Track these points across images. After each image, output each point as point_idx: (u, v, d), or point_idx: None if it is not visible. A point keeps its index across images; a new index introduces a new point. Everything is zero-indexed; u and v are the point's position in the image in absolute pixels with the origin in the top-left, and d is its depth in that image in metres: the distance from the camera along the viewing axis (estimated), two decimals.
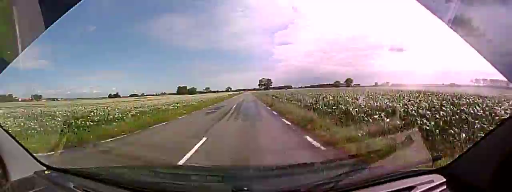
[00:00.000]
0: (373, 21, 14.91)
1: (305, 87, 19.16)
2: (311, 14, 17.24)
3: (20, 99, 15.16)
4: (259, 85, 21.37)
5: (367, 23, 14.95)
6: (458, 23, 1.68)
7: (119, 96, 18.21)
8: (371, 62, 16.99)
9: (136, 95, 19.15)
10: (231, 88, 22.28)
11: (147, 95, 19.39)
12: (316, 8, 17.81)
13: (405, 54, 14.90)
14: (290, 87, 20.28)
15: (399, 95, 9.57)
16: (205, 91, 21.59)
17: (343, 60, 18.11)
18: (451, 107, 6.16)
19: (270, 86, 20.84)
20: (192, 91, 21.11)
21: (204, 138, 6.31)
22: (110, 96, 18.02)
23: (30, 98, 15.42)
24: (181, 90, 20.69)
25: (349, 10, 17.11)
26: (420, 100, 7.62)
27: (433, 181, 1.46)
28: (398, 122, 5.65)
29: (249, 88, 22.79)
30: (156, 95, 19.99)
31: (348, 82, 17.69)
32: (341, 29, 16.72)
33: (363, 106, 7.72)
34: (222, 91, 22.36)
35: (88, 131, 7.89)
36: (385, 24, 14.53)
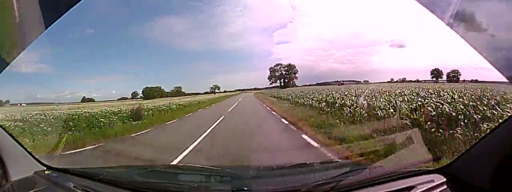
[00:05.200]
0: (373, 18, 14.75)
1: (310, 85, 16.41)
2: (310, 12, 17.05)
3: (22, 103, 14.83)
4: (269, 78, 15.57)
5: (367, 20, 14.81)
6: (458, 20, 1.67)
7: (94, 101, 15.42)
8: (372, 59, 16.87)
9: (126, 98, 16.58)
10: (218, 87, 17.64)
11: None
12: (315, 6, 17.68)
13: (405, 51, 14.82)
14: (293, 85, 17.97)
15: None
16: (174, 92, 16.14)
17: (343, 57, 17.88)
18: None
19: (294, 82, 14.69)
20: (147, 95, 15.83)
21: None
22: (83, 100, 15.18)
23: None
24: (147, 94, 16.18)
25: (348, 7, 16.99)
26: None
27: (433, 181, 1.46)
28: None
29: (250, 88, 20.89)
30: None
31: (439, 74, 12.53)
32: (341, 27, 16.51)
33: None
34: (208, 93, 17.74)
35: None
36: (384, 20, 14.41)
